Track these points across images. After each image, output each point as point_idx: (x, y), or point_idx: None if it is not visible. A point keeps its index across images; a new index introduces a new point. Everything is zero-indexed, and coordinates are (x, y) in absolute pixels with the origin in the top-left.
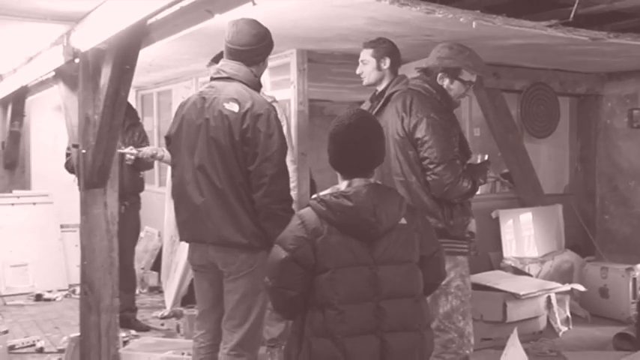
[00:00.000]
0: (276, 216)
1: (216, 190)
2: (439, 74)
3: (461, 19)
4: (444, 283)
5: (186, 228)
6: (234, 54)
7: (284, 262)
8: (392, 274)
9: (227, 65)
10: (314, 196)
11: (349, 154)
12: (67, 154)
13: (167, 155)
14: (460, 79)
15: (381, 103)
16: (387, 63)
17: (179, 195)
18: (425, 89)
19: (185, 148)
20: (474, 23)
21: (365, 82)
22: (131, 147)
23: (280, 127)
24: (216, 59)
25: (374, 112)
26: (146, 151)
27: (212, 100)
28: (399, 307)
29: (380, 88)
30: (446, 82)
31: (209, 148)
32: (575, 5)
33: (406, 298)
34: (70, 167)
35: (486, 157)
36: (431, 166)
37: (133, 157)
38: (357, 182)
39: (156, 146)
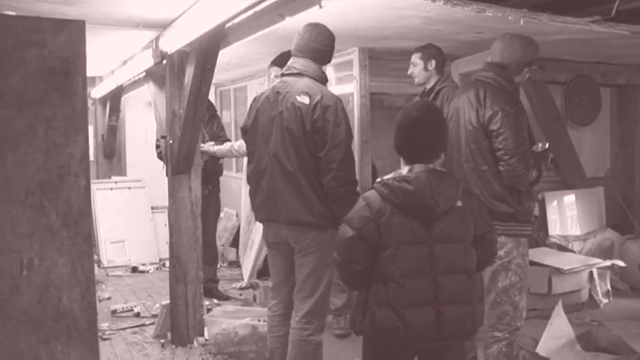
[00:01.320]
0: (343, 198)
1: (289, 175)
2: (525, 69)
3: (509, 17)
4: (506, 260)
5: (262, 209)
6: (313, 51)
7: (351, 240)
8: (448, 251)
9: (297, 62)
10: (378, 179)
11: (414, 144)
12: (157, 146)
13: (240, 150)
14: (529, 70)
15: (431, 98)
16: (432, 64)
17: (255, 180)
18: (496, 81)
19: (260, 137)
20: (521, 21)
21: (416, 81)
22: (210, 143)
23: (347, 117)
24: (275, 61)
25: None
26: (221, 149)
27: (285, 93)
28: (454, 282)
29: (428, 86)
30: (522, 75)
31: (282, 137)
32: (617, 2)
33: (460, 273)
34: (160, 156)
35: (547, 145)
36: (505, 157)
37: (207, 157)
38: (418, 168)
39: (229, 145)
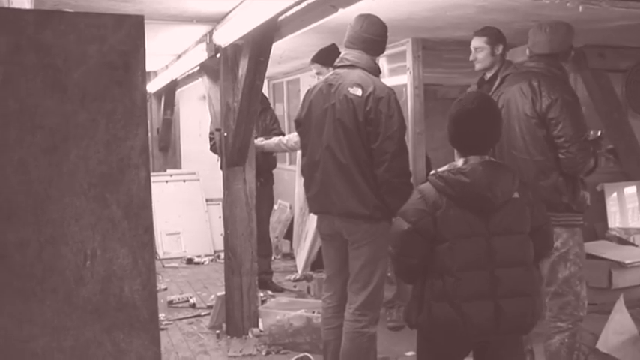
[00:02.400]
0: (396, 189)
1: (342, 167)
2: (570, 54)
3: (567, 4)
4: (563, 250)
5: (315, 201)
6: (365, 42)
7: (406, 233)
8: (505, 244)
9: (350, 54)
10: (432, 172)
11: (469, 136)
12: (211, 139)
13: (289, 144)
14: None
15: (495, 86)
16: (500, 49)
17: (309, 172)
18: (549, 71)
19: (313, 130)
20: (580, 7)
21: (479, 66)
22: (260, 139)
23: (400, 109)
24: (315, 58)
25: (491, 92)
26: (269, 144)
27: (337, 85)
28: (512, 275)
29: (489, 73)
30: (568, 61)
31: (335, 130)
32: None
33: (518, 266)
34: (214, 149)
35: (599, 132)
36: (565, 145)
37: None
38: (473, 160)
39: (277, 140)
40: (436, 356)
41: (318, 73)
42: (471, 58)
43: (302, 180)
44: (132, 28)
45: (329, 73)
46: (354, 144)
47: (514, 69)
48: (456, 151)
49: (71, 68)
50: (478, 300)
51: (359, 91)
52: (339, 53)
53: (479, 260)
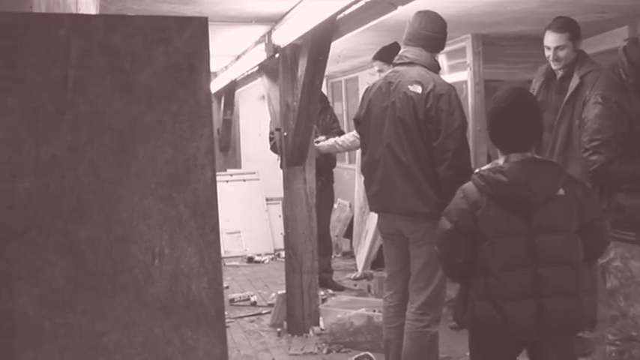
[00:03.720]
0: (458, 187)
1: (402, 166)
2: None
3: None
4: (603, 260)
5: (376, 200)
6: (424, 39)
7: (449, 232)
8: (550, 242)
9: (409, 51)
10: (476, 170)
11: (506, 134)
12: (271, 138)
13: (345, 144)
14: None
15: (577, 83)
16: (580, 44)
17: (369, 171)
18: None
19: (373, 128)
20: None
21: (559, 66)
22: (321, 137)
23: (461, 106)
24: (377, 56)
25: (569, 93)
26: (323, 145)
27: (397, 83)
28: (557, 274)
29: (562, 69)
30: None
31: (395, 128)
32: None
33: (564, 265)
34: (274, 149)
35: None
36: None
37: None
38: (514, 158)
39: (332, 141)
40: (486, 355)
41: (379, 71)
42: (552, 58)
43: (362, 178)
44: (196, 30)
45: (388, 71)
46: (414, 142)
47: (595, 65)
48: (498, 150)
49: (138, 70)
50: (520, 299)
51: (419, 89)
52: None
53: (520, 259)
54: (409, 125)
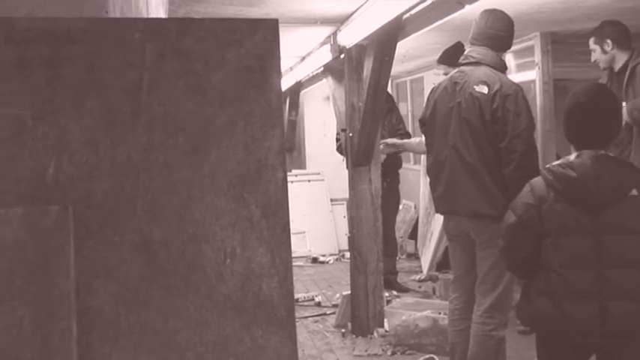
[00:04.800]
0: None
1: (469, 167)
2: None
3: None
4: None
5: (442, 201)
6: (490, 38)
7: (513, 226)
8: (619, 243)
9: (474, 51)
10: (546, 165)
11: (582, 130)
12: (338, 139)
13: (422, 147)
14: None
15: (626, 78)
16: (609, 45)
17: (435, 172)
18: None
19: (439, 129)
20: None
21: (600, 66)
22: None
23: (528, 106)
24: (441, 59)
25: (624, 85)
26: (412, 143)
27: (463, 83)
28: (625, 276)
29: (617, 66)
30: None
31: (461, 128)
32: None
33: (633, 267)
34: (340, 150)
35: None
36: None
37: (392, 149)
38: (586, 154)
39: (419, 140)
40: (553, 357)
41: (446, 74)
42: (592, 60)
43: (427, 179)
44: (267, 32)
45: (454, 71)
46: (480, 143)
47: None
48: (571, 146)
49: (210, 72)
50: (581, 299)
51: (485, 89)
52: (465, 51)
53: (584, 258)
54: (475, 126)
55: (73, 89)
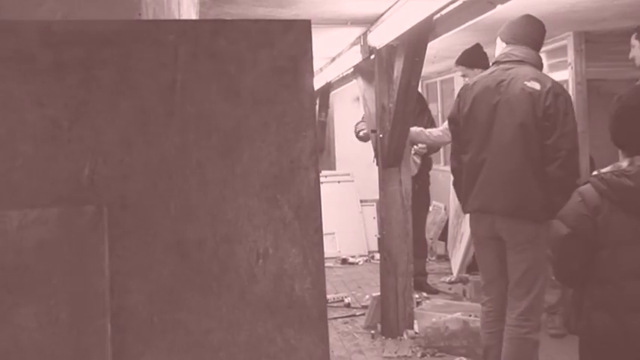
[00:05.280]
0: (568, 188)
1: (513, 164)
2: None
3: None
4: None
5: (477, 199)
6: (528, 37)
7: (566, 238)
8: None
9: (516, 49)
10: (594, 173)
11: (633, 135)
12: (357, 127)
13: (431, 137)
14: None
15: None
16: None
17: (472, 169)
18: None
19: (480, 126)
20: None
21: (637, 63)
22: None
23: (573, 107)
24: (460, 60)
25: None
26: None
27: (509, 80)
28: None
29: None
30: None
31: (508, 125)
32: None
33: None
34: (360, 137)
35: None
36: None
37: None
38: (639, 161)
39: (419, 130)
40: None
41: (463, 76)
42: (630, 57)
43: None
44: (300, 33)
45: (491, 69)
46: (528, 139)
47: None
48: (620, 151)
49: (243, 73)
50: None
51: (537, 86)
52: (484, 53)
53: None
54: (525, 122)
55: (107, 91)
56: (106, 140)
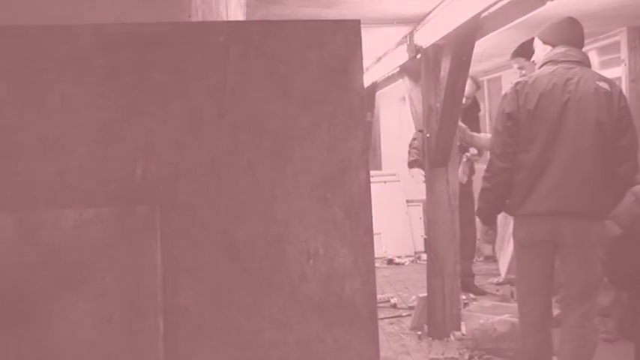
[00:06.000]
0: None
1: (586, 163)
2: None
3: None
4: None
5: (545, 201)
6: (577, 39)
7: (619, 239)
8: None
9: (573, 50)
10: None
11: None
12: (410, 153)
13: (481, 142)
14: None
15: None
16: None
17: (537, 169)
18: None
19: (548, 123)
20: None
21: None
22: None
23: None
24: (518, 52)
25: None
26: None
27: (578, 79)
28: None
29: None
30: None
31: (581, 124)
32: None
33: None
34: (413, 165)
35: None
36: None
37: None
38: None
39: (483, 135)
40: None
41: (520, 68)
42: None
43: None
44: (349, 33)
45: (551, 67)
46: (604, 140)
47: None
48: None
49: (293, 74)
50: None
51: (607, 86)
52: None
53: None
54: (602, 122)
55: (158, 92)
56: (158, 141)
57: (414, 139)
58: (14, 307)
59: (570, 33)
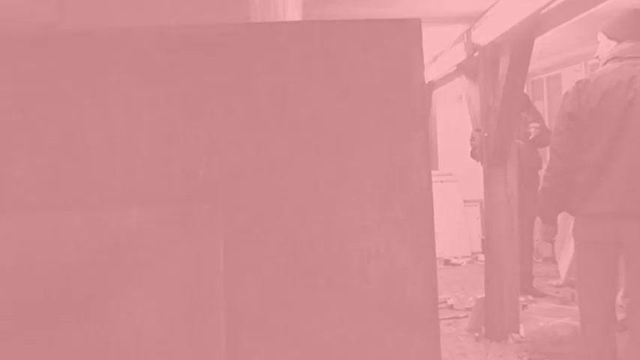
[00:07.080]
0: None
1: None
2: None
3: None
4: None
5: (609, 201)
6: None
7: None
8: None
9: (637, 46)
10: None
11: None
12: (472, 144)
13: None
14: None
15: None
16: None
17: (601, 168)
18: None
19: (613, 122)
20: None
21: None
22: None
23: None
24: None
25: None
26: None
27: None
28: None
29: None
30: None
31: None
32: None
33: None
34: (474, 155)
35: None
36: None
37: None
38: None
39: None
40: None
41: (596, 58)
42: None
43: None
44: (410, 32)
45: (616, 63)
46: None
47: None
48: None
49: (354, 74)
50: None
51: None
52: None
53: None
54: None
55: (220, 93)
56: (220, 141)
57: (472, 138)
58: (84, 303)
59: (637, 27)
